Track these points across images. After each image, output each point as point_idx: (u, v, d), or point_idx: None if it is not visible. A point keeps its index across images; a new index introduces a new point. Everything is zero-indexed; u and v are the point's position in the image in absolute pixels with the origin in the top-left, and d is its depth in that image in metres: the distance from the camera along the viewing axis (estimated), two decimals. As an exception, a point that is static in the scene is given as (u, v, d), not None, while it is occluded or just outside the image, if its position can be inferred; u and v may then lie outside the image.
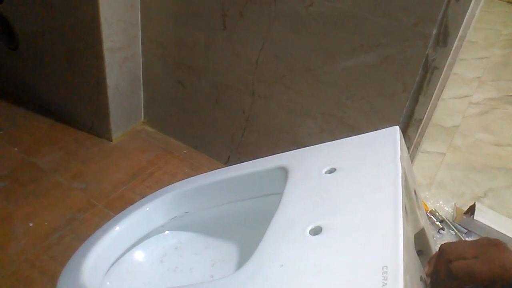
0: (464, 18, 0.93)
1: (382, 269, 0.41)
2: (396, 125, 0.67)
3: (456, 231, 1.35)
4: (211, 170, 0.77)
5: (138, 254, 0.71)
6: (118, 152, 1.54)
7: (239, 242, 0.73)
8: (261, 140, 1.40)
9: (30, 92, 1.70)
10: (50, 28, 1.44)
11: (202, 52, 1.37)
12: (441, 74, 1.01)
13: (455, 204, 1.48)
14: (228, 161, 1.53)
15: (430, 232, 0.67)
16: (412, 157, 1.19)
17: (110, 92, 1.45)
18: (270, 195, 0.69)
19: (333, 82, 1.16)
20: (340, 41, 1.10)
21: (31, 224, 1.22)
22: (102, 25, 1.30)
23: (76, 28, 1.37)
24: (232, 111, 1.41)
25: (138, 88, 1.57)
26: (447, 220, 1.39)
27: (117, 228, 0.67)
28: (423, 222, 0.61)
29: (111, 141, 1.57)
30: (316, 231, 0.50)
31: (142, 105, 1.63)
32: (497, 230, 1.33)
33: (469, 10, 0.93)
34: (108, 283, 0.65)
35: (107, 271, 0.64)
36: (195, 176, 0.76)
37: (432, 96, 1.04)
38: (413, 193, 0.61)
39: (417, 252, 0.57)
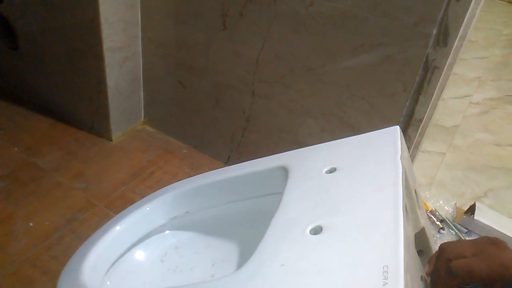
0: (464, 18, 0.93)
1: (383, 268, 0.41)
2: (396, 124, 0.67)
3: (457, 231, 1.35)
4: (212, 170, 0.77)
5: (139, 254, 0.72)
6: (118, 152, 1.54)
7: (240, 242, 0.73)
8: (261, 140, 1.40)
9: (30, 92, 1.70)
10: (50, 28, 1.44)
11: (202, 52, 1.37)
12: (441, 74, 1.01)
13: (455, 203, 1.48)
14: (228, 161, 1.53)
15: (431, 231, 0.67)
16: (412, 157, 1.19)
17: (110, 92, 1.45)
18: (271, 195, 0.69)
19: (334, 82, 1.16)
20: (340, 41, 1.10)
21: (31, 224, 1.22)
22: (102, 25, 1.30)
23: (76, 28, 1.37)
24: (232, 111, 1.42)
25: (138, 88, 1.57)
26: (447, 220, 1.39)
27: (118, 227, 0.67)
28: (424, 222, 0.61)
29: (111, 141, 1.57)
30: (317, 230, 0.50)
31: (142, 105, 1.63)
32: (497, 230, 1.33)
33: (470, 10, 0.93)
34: (108, 282, 0.65)
35: (108, 270, 0.64)
36: (196, 176, 0.76)
37: (432, 96, 1.04)
38: (414, 192, 0.61)
39: (417, 251, 0.57)
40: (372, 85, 1.11)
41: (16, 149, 1.48)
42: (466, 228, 1.37)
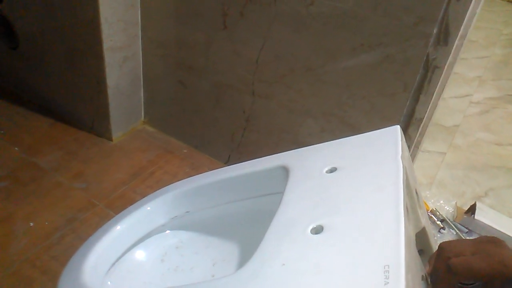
0: (464, 17, 0.93)
1: (384, 268, 0.41)
2: (397, 124, 0.67)
3: (457, 231, 1.35)
4: (212, 170, 0.77)
5: (139, 254, 0.71)
6: (118, 151, 1.54)
7: (240, 242, 0.73)
8: (261, 140, 1.40)
9: (30, 92, 1.70)
10: (50, 27, 1.44)
11: (202, 51, 1.37)
12: (442, 73, 1.01)
13: (455, 203, 1.48)
14: (228, 161, 1.53)
15: (431, 231, 0.67)
16: (413, 157, 1.19)
17: (111, 91, 1.45)
18: (271, 195, 0.69)
19: (334, 82, 1.16)
20: (340, 41, 1.10)
21: (31, 224, 1.22)
22: (102, 25, 1.29)
23: (76, 28, 1.37)
24: (232, 110, 1.41)
25: (138, 88, 1.57)
26: (447, 220, 1.39)
27: (118, 227, 0.67)
28: (424, 222, 0.61)
29: (112, 141, 1.57)
30: (318, 230, 0.50)
31: (143, 104, 1.63)
32: (498, 230, 1.33)
33: (470, 9, 0.92)
34: (109, 282, 0.65)
35: (108, 270, 0.64)
36: (196, 176, 0.76)
37: (433, 95, 1.04)
38: (414, 192, 0.61)
39: (418, 251, 0.57)
40: (373, 85, 1.10)
41: (16, 149, 1.48)
42: (466, 228, 1.37)
